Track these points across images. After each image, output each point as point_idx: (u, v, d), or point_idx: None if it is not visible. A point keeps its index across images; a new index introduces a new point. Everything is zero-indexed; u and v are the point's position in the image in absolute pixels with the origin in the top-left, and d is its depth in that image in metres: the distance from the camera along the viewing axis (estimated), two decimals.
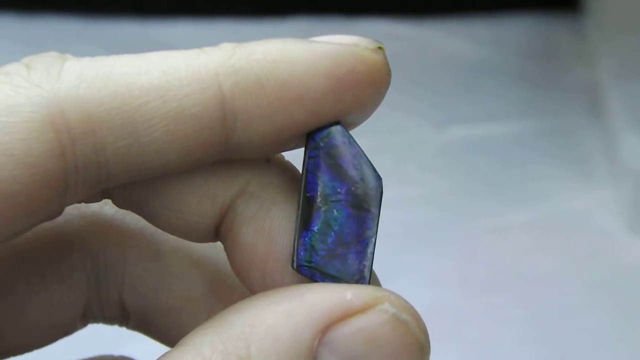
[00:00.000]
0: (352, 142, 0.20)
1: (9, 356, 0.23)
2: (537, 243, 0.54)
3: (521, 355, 0.49)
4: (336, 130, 0.20)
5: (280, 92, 0.19)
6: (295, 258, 0.20)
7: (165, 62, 0.19)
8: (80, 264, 0.23)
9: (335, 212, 0.20)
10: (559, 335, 0.49)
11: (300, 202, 0.20)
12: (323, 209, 0.20)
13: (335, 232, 0.20)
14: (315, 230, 0.20)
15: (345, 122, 0.20)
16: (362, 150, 0.20)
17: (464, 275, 0.53)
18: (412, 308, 0.19)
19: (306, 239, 0.20)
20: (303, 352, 0.18)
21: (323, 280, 0.19)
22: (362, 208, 0.20)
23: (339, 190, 0.20)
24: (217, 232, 0.21)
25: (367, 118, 0.20)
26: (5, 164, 0.18)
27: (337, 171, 0.20)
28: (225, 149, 0.19)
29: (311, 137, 0.20)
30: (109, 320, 0.24)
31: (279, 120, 0.19)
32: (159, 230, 0.23)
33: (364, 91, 0.19)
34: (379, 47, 0.20)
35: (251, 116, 0.19)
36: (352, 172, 0.20)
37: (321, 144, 0.20)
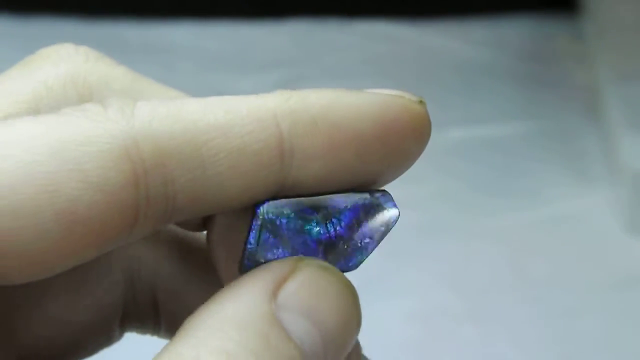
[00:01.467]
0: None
1: None
2: (536, 243, 0.54)
3: (520, 357, 0.49)
4: (391, 205, 0.21)
5: (333, 133, 0.20)
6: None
7: (227, 103, 0.20)
8: (116, 264, 0.24)
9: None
10: (557, 337, 0.50)
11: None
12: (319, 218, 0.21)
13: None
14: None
15: (386, 175, 0.21)
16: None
17: (464, 276, 0.53)
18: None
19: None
20: (269, 318, 0.19)
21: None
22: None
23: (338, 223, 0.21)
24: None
25: (405, 169, 0.22)
26: (85, 190, 0.19)
27: (364, 217, 0.21)
28: (282, 187, 0.21)
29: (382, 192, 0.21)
30: (144, 326, 0.25)
31: (330, 160, 0.20)
32: (188, 232, 0.24)
33: (407, 138, 0.21)
34: (421, 101, 0.22)
35: (306, 155, 0.20)
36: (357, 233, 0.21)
37: (381, 198, 0.21)
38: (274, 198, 0.21)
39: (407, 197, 0.57)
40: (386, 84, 0.69)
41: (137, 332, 0.25)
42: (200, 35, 0.68)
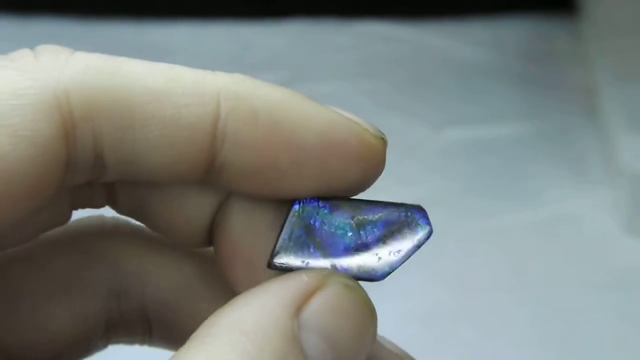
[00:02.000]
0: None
1: None
2: (535, 244, 0.54)
3: (518, 357, 0.49)
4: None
5: (271, 130, 0.20)
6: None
7: (173, 71, 0.20)
8: (100, 276, 0.24)
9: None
10: (557, 337, 0.50)
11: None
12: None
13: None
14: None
15: (327, 192, 0.21)
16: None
17: (462, 277, 0.53)
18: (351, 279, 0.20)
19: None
20: (289, 337, 0.19)
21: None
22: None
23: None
24: (211, 232, 0.22)
25: (353, 193, 0.21)
26: (16, 145, 0.18)
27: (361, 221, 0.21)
28: (211, 168, 0.20)
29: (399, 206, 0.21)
30: (131, 336, 0.24)
31: (263, 156, 0.20)
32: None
33: (350, 166, 0.20)
34: (382, 138, 0.21)
35: (239, 142, 0.20)
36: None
37: (416, 214, 0.21)
38: (312, 198, 0.21)
39: (405, 198, 0.56)
40: (385, 84, 0.69)
41: (124, 343, 0.25)
42: (198, 35, 0.68)
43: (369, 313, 0.20)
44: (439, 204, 0.56)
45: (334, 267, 0.21)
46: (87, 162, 0.19)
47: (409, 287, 0.51)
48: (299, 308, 0.19)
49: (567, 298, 0.51)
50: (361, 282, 0.21)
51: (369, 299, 0.20)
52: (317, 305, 0.19)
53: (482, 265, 0.53)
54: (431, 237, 0.22)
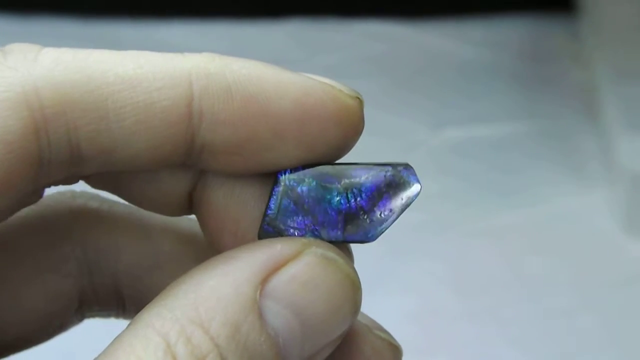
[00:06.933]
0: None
1: (9, 353, 0.23)
2: (532, 244, 0.54)
3: (517, 355, 0.49)
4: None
5: (247, 103, 0.20)
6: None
7: (142, 58, 0.20)
8: (71, 253, 0.24)
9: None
10: (555, 336, 0.50)
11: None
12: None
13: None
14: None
15: (311, 159, 0.21)
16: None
17: (461, 275, 0.53)
18: (339, 250, 0.20)
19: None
20: (247, 305, 0.19)
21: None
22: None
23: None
24: (190, 201, 0.22)
25: (335, 157, 0.21)
26: None
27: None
28: (191, 150, 0.20)
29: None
30: (105, 310, 0.25)
31: (242, 130, 0.20)
32: (147, 214, 0.24)
33: (329, 128, 0.20)
34: (357, 97, 0.21)
35: (216, 120, 0.20)
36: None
37: (404, 171, 0.21)
38: (296, 168, 0.21)
39: None
40: (384, 83, 0.69)
41: (99, 317, 0.25)
42: (197, 34, 0.68)
43: (348, 287, 0.20)
44: (439, 202, 0.56)
45: (323, 233, 0.21)
46: (63, 159, 0.19)
47: (408, 285, 0.51)
48: (265, 277, 0.19)
49: (566, 296, 0.51)
50: (359, 270, 0.21)
51: (351, 272, 0.20)
52: (286, 276, 0.19)
53: (482, 263, 0.53)
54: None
